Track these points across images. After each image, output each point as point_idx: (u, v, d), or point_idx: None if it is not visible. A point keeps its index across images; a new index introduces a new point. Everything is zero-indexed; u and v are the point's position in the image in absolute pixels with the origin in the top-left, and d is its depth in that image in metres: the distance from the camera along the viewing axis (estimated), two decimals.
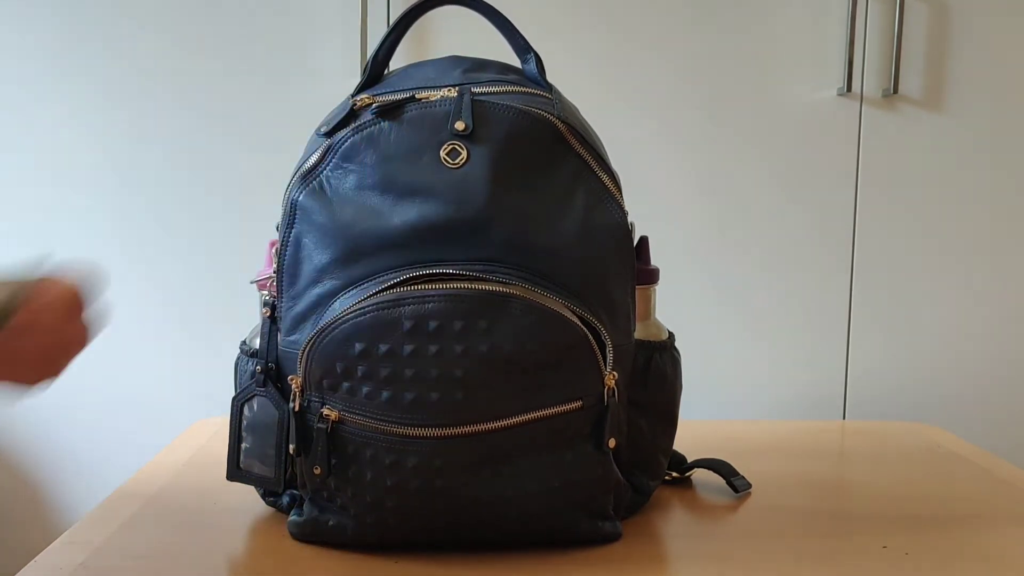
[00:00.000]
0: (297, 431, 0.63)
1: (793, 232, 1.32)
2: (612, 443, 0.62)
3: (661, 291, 1.33)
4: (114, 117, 1.26)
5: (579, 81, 1.28)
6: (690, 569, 0.61)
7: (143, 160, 1.26)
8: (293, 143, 1.26)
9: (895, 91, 1.28)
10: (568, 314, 0.60)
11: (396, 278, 0.59)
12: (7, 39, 1.25)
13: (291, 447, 0.63)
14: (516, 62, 0.73)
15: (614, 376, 0.62)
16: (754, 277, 1.33)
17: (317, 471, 0.61)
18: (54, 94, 1.26)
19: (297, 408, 0.63)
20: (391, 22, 0.71)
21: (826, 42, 1.29)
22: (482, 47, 1.26)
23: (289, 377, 0.63)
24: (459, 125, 0.62)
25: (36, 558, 0.61)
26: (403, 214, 0.61)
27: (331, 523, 0.63)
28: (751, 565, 0.62)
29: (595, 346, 0.61)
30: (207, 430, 0.97)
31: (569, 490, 0.62)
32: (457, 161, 0.62)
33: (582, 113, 0.73)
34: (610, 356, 0.62)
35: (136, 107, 1.26)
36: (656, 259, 1.32)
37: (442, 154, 0.62)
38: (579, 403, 0.61)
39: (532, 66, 0.69)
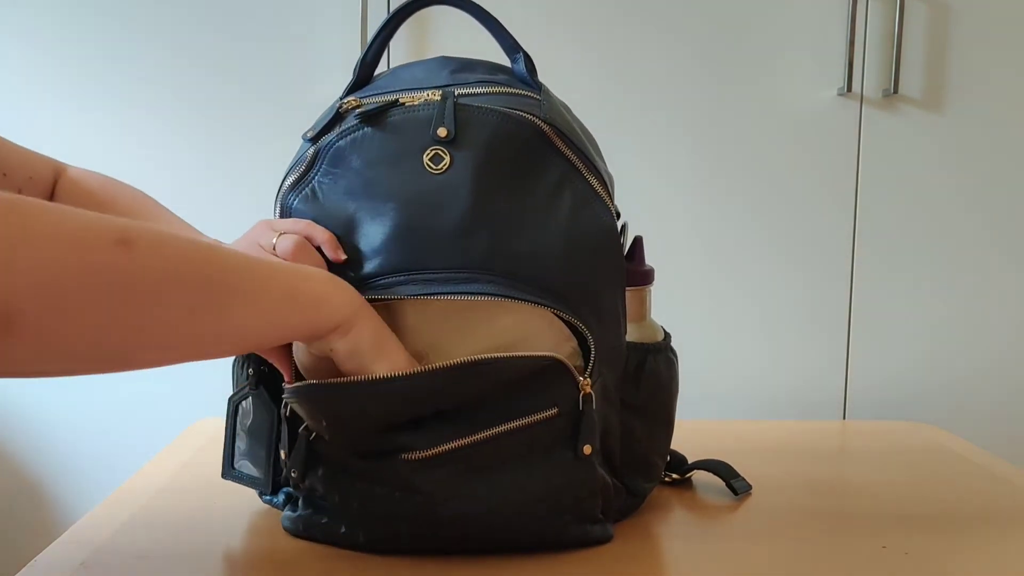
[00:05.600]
0: (288, 435, 0.63)
1: (793, 232, 1.32)
2: (587, 450, 0.61)
3: (660, 291, 1.33)
4: (114, 118, 1.26)
5: (578, 80, 1.28)
6: (690, 570, 0.61)
7: (143, 161, 1.26)
8: (292, 143, 1.26)
9: (895, 91, 1.28)
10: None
11: (379, 294, 0.59)
12: (10, 41, 1.25)
13: (283, 453, 0.63)
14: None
15: (589, 383, 0.61)
16: (754, 277, 1.33)
17: (294, 474, 0.62)
18: (57, 94, 1.26)
19: (288, 412, 0.62)
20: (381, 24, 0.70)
21: (826, 42, 1.29)
22: (481, 46, 1.26)
23: (284, 382, 0.63)
24: (441, 131, 0.61)
25: (36, 558, 0.61)
26: (386, 220, 0.61)
27: (324, 521, 0.63)
28: (751, 566, 0.62)
29: (567, 362, 0.60)
30: (207, 430, 0.97)
31: (553, 497, 0.61)
32: (440, 167, 0.61)
33: (578, 112, 0.72)
34: (593, 360, 0.61)
35: (135, 108, 1.26)
36: (655, 258, 1.32)
37: (425, 160, 0.61)
38: (555, 410, 0.60)
39: (521, 66, 0.68)
